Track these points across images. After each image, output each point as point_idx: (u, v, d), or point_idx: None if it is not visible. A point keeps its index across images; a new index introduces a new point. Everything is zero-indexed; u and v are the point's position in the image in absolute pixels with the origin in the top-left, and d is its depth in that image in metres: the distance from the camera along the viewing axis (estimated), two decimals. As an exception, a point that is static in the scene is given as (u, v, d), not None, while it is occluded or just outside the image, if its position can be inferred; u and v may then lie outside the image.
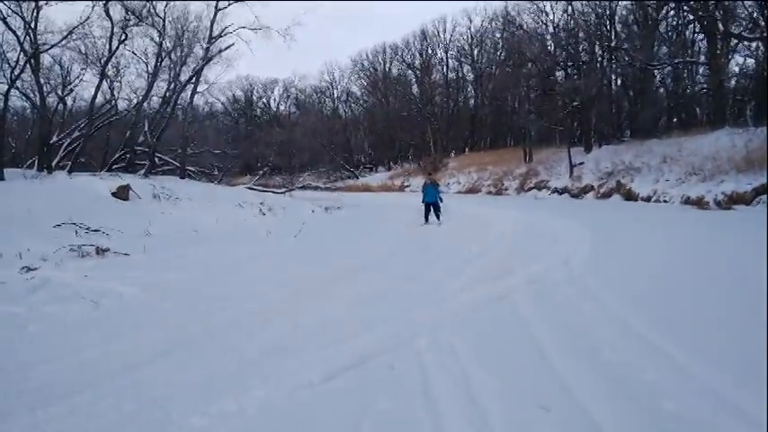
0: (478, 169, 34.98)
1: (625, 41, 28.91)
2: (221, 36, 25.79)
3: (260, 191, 24.71)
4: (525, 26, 33.78)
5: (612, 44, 28.33)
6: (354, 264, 9.17)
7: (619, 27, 29.65)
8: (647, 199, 19.30)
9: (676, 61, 26.11)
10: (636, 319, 5.06)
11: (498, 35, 44.16)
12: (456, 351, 4.49)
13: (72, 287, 6.79)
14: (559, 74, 32.39)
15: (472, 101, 52.65)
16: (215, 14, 25.33)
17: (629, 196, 20.58)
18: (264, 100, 64.92)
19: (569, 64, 31.40)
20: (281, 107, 65.29)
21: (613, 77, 30.23)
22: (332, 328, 5.31)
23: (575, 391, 3.64)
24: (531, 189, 28.29)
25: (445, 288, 6.88)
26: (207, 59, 25.77)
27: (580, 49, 30.13)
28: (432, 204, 15.11)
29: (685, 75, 29.00)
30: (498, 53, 44.68)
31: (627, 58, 27.32)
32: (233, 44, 26.47)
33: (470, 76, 52.28)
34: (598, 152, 26.32)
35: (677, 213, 14.96)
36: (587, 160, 25.88)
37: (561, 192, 25.64)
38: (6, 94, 19.95)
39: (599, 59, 29.91)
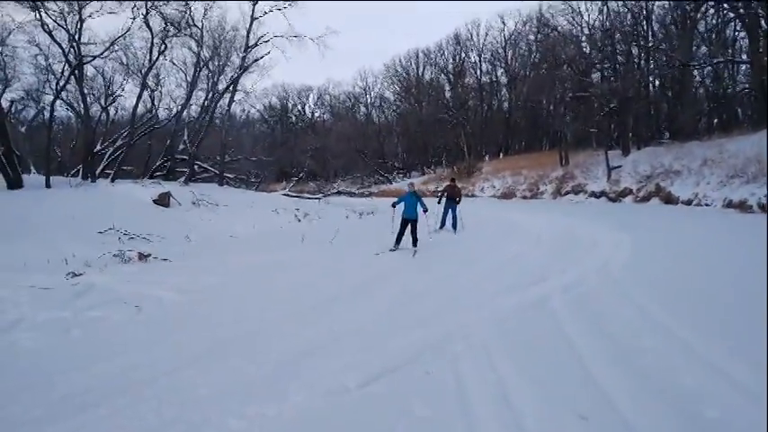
0: (513, 173, 34.63)
1: (663, 41, 28.22)
2: (257, 45, 26.27)
3: (295, 197, 25.02)
4: (560, 28, 33.33)
5: (650, 44, 27.68)
6: (386, 269, 9.21)
7: (656, 27, 28.98)
8: (688, 202, 18.80)
9: (716, 61, 25.37)
10: (677, 326, 4.96)
11: (532, 37, 43.75)
12: (491, 357, 4.48)
13: (115, 292, 7.01)
14: (595, 75, 31.78)
15: (506, 104, 52.17)
16: (251, 24, 25.83)
17: (669, 200, 20.08)
18: (299, 107, 65.72)
19: (605, 65, 30.81)
20: (316, 114, 66.01)
21: (651, 78, 29.52)
22: (367, 333, 5.36)
23: (614, 400, 3.60)
24: (567, 193, 27.86)
25: (480, 293, 6.86)
26: (243, 68, 26.25)
27: (616, 49, 29.54)
28: (410, 222, 11.20)
29: (726, 74, 28.15)
30: (532, 55, 44.18)
31: (665, 59, 26.65)
32: (269, 53, 26.89)
33: (504, 80, 51.90)
34: (636, 155, 25.76)
35: (719, 217, 14.54)
36: (625, 163, 25.36)
37: (598, 195, 25.19)
38: (52, 105, 20.72)
39: (636, 60, 29.27)
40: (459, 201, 15.03)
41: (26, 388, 4.31)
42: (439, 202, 15.01)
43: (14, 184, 15.96)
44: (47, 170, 19.13)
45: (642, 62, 28.86)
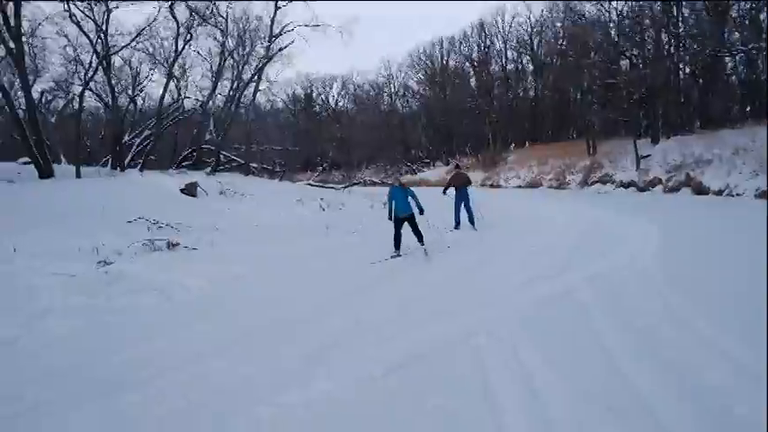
0: (539, 163, 34.23)
1: (693, 27, 27.52)
2: (281, 34, 26.32)
3: (319, 187, 25.11)
4: (587, 14, 32.73)
5: (680, 31, 27.03)
6: (411, 260, 9.22)
7: (686, 13, 28.25)
8: (719, 192, 18.37)
9: (749, 47, 24.65)
10: (705, 321, 4.87)
11: (559, 24, 43.02)
12: (517, 349, 4.46)
13: (144, 280, 7.13)
14: (624, 63, 31.16)
15: (532, 92, 51.50)
16: (275, 13, 25.90)
17: (700, 190, 19.64)
18: (323, 97, 65.75)
19: (634, 52, 30.17)
20: (340, 103, 66.00)
21: (681, 66, 28.84)
22: (390, 324, 5.37)
23: (641, 392, 3.56)
24: (594, 183, 27.45)
25: (506, 285, 6.82)
26: (268, 58, 26.34)
27: (645, 36, 28.88)
28: (406, 220, 9.79)
29: (759, 61, 27.33)
30: (559, 43, 43.41)
31: (696, 46, 26.00)
32: (293, 42, 26.94)
33: (530, 68, 51.18)
34: (666, 144, 25.23)
35: (751, 208, 14.18)
36: (654, 152, 24.87)
37: (627, 185, 24.77)
38: (81, 95, 21.07)
39: (666, 47, 28.59)
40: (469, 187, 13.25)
41: (58, 373, 4.43)
42: (444, 193, 13.29)
43: (45, 173, 16.30)
44: (76, 160, 19.48)
45: (672, 49, 28.16)
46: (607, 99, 31.41)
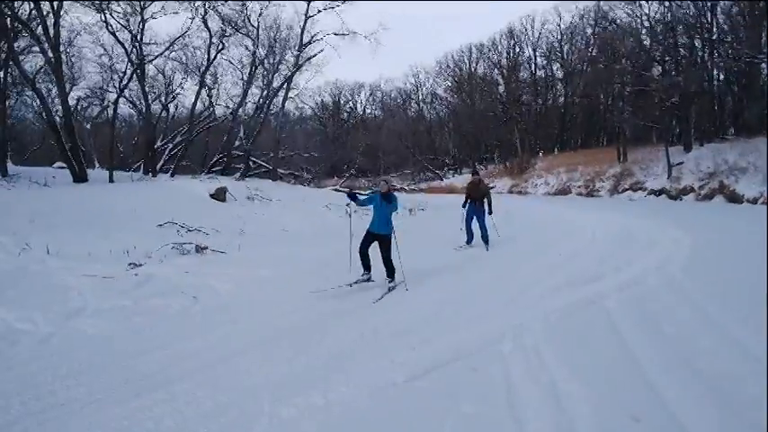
0: (568, 170, 33.84)
1: (728, 33, 26.94)
2: (311, 43, 26.62)
3: (346, 193, 25.16)
4: (618, 20, 32.30)
5: (714, 36, 26.49)
6: (437, 266, 9.17)
7: (721, 18, 27.68)
8: (754, 201, 17.93)
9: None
10: (737, 330, 4.75)
11: (590, 31, 42.61)
12: (542, 356, 4.40)
13: (173, 282, 7.26)
14: (656, 69, 30.67)
15: (562, 99, 51.00)
16: (305, 22, 26.20)
17: (733, 198, 19.21)
18: (351, 104, 66.13)
19: (666, 59, 29.67)
20: (367, 110, 66.29)
21: (715, 72, 28.24)
22: (414, 331, 5.36)
23: (669, 402, 3.49)
24: (625, 190, 27.04)
25: (531, 292, 6.75)
26: (297, 66, 26.65)
27: (678, 42, 28.37)
28: (377, 238, 7.69)
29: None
30: (590, 49, 42.97)
31: (730, 52, 25.45)
32: (322, 50, 27.23)
33: (560, 74, 50.73)
34: (698, 151, 24.74)
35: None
36: (687, 160, 24.40)
37: (658, 193, 24.35)
38: (116, 102, 21.67)
39: (699, 53, 28.05)
40: (490, 203, 11.27)
41: (88, 372, 4.53)
42: (464, 206, 11.60)
43: (80, 178, 16.74)
44: (110, 165, 19.98)
45: (706, 55, 27.61)
46: (638, 106, 30.94)
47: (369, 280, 7.61)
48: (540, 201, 28.54)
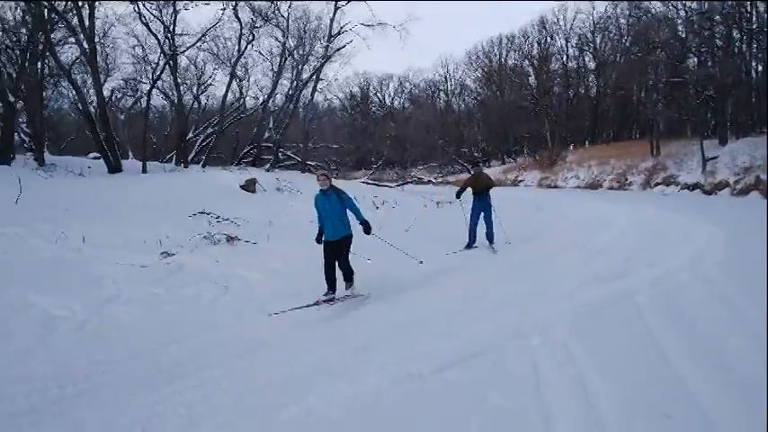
0: (599, 163, 33.25)
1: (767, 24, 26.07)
2: (340, 34, 26.70)
3: (373, 185, 25.24)
4: (653, 10, 31.50)
5: (753, 27, 25.63)
6: (462, 259, 9.15)
7: (761, 7, 26.77)
8: (793, 196, 17.38)
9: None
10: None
11: (623, 21, 41.65)
12: (571, 351, 4.36)
13: (205, 272, 7.38)
14: (691, 61, 29.87)
15: (594, 91, 50.10)
16: (334, 13, 26.26)
17: (771, 193, 18.62)
18: (379, 95, 66.05)
19: (703, 49, 28.85)
20: (396, 102, 66.11)
21: (753, 63, 27.39)
22: (440, 323, 5.36)
23: (700, 400, 3.43)
24: (657, 185, 26.46)
25: (559, 287, 6.67)
26: (326, 57, 26.73)
27: (715, 33, 27.55)
28: (335, 245, 6.61)
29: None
30: (623, 40, 42.05)
31: (770, 42, 24.63)
32: (351, 41, 27.27)
33: (592, 65, 49.80)
34: (734, 145, 24.04)
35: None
36: (722, 154, 23.74)
37: (692, 188, 23.76)
38: (149, 94, 21.99)
39: (737, 44, 27.20)
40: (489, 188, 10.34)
41: (122, 358, 4.65)
42: (458, 197, 10.54)
43: (114, 168, 17.07)
44: (143, 156, 20.35)
45: (744, 46, 26.77)
46: (673, 98, 30.20)
47: (332, 300, 6.48)
48: (570, 194, 28.13)
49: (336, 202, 6.57)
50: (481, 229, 10.20)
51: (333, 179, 6.84)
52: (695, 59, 29.81)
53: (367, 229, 6.74)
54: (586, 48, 49.27)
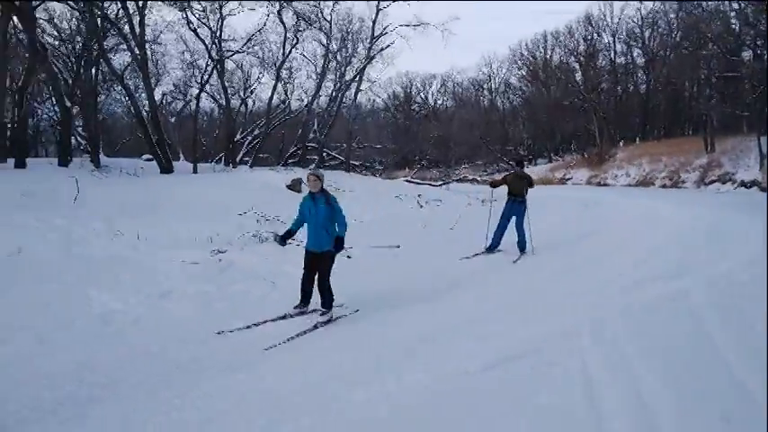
0: (651, 160, 32.28)
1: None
2: (382, 35, 26.79)
3: (417, 183, 25.21)
4: (705, 3, 30.40)
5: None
6: (512, 253, 9.05)
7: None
8: None
9: None
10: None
11: (673, 15, 40.32)
12: (623, 351, 4.25)
13: (253, 269, 7.54)
14: (746, 54, 28.67)
15: (643, 87, 48.67)
16: (376, 14, 26.36)
17: (836, 190, 17.74)
18: (422, 95, 65.84)
19: (758, 42, 27.64)
20: (439, 101, 65.78)
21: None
22: (491, 319, 5.32)
23: (760, 403, 3.28)
24: (712, 182, 25.53)
25: (613, 286, 6.52)
26: (369, 58, 26.87)
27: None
28: (317, 258, 5.98)
29: None
30: (673, 34, 40.74)
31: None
32: (393, 42, 27.33)
33: (641, 61, 48.38)
34: (795, 140, 22.99)
35: None
36: (782, 150, 22.75)
37: (749, 185, 22.84)
38: (198, 97, 22.68)
39: (796, 36, 25.95)
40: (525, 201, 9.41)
41: (177, 350, 4.80)
42: (492, 186, 9.94)
43: (166, 169, 17.63)
44: (194, 157, 20.97)
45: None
46: (727, 93, 29.06)
47: (303, 314, 5.94)
48: (619, 192, 27.42)
49: (324, 209, 5.88)
50: (510, 235, 9.38)
51: (324, 181, 6.17)
52: (750, 52, 28.62)
53: (338, 247, 5.92)
54: (635, 43, 47.90)
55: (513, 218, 9.35)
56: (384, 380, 3.92)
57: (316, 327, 5.52)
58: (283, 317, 5.80)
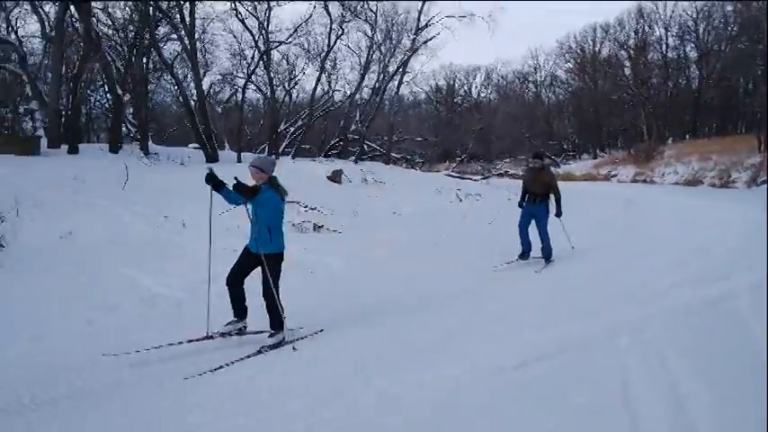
0: (700, 158, 31.21)
1: None
2: (427, 26, 26.64)
3: (457, 177, 25.10)
4: (764, -3, 29.16)
5: None
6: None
7: None
8: None
9: None
10: None
11: (729, 8, 38.77)
12: (663, 354, 4.18)
13: (293, 257, 7.66)
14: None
15: (695, 82, 47.03)
16: (422, 5, 26.20)
17: None
18: (466, 87, 65.24)
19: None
20: (482, 94, 65.05)
21: None
22: (527, 316, 5.30)
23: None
24: (765, 183, 24.57)
25: (653, 287, 6.38)
26: (413, 50, 26.77)
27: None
28: (256, 261, 5.14)
29: None
30: (729, 28, 39.22)
31: None
32: (438, 33, 27.16)
33: (694, 55, 46.73)
34: None
35: None
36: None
37: (805, 187, 21.91)
38: (244, 87, 23.04)
39: None
40: (558, 201, 8.18)
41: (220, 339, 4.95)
42: (521, 204, 8.29)
43: (212, 158, 18.03)
44: (238, 147, 21.36)
45: None
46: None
47: (241, 331, 5.07)
48: (667, 190, 26.67)
49: (271, 201, 5.11)
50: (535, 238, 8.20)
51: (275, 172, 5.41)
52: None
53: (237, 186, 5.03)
54: (688, 37, 46.30)
55: (533, 218, 8.14)
56: (421, 371, 3.97)
57: (259, 351, 4.68)
58: (209, 336, 5.00)
